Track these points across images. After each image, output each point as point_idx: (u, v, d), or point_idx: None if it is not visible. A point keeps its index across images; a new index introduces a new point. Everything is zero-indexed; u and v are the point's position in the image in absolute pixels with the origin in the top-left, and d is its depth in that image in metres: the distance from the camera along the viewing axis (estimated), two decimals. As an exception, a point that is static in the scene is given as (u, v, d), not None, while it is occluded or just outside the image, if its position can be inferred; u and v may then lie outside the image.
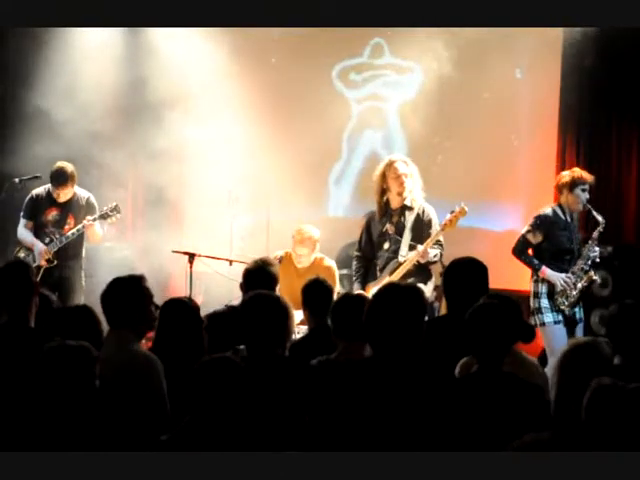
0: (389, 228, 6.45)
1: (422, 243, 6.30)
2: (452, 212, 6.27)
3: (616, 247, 6.88)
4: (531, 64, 8.37)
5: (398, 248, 6.39)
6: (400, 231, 6.41)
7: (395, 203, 6.46)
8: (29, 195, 7.13)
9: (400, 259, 6.35)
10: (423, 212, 6.41)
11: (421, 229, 6.36)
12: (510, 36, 7.81)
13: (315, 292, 5.03)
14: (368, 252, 6.58)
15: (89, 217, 6.92)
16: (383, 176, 6.47)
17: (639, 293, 6.49)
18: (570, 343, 3.53)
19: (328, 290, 5.13)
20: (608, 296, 6.99)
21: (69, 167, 6.95)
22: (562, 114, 8.15)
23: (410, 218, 6.40)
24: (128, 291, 4.13)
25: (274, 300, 4.04)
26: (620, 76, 7.71)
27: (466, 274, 4.71)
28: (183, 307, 4.47)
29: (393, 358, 3.32)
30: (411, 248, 6.33)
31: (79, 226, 6.92)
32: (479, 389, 3.56)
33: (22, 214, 7.11)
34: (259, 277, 5.21)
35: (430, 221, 6.39)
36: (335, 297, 6.65)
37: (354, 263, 6.69)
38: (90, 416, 3.24)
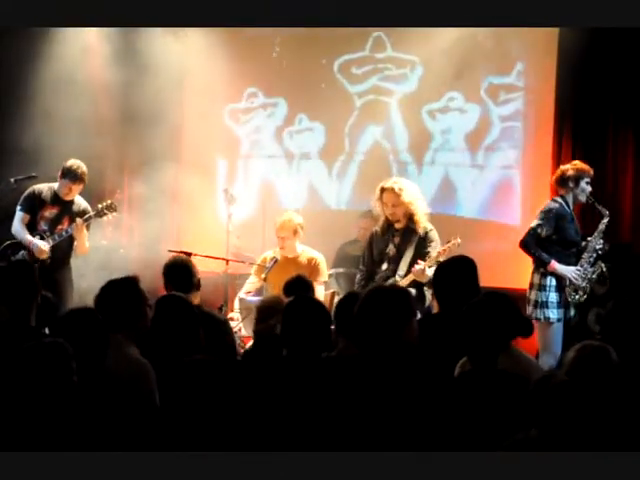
0: (391, 249, 6.44)
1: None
2: (448, 242, 6.25)
3: (612, 245, 6.90)
4: (527, 62, 8.34)
5: (397, 268, 6.36)
6: (401, 253, 6.38)
7: (397, 225, 6.42)
8: (30, 189, 7.11)
9: (397, 279, 6.31)
10: (425, 235, 6.35)
11: (422, 252, 6.30)
12: (506, 34, 7.81)
13: (296, 290, 4.99)
14: (370, 268, 6.57)
15: (83, 218, 6.91)
16: (379, 200, 6.44)
17: (635, 291, 6.54)
18: (578, 347, 3.56)
19: (309, 287, 5.21)
20: (605, 294, 7.00)
21: (83, 166, 6.98)
22: (558, 112, 8.11)
23: (412, 241, 6.36)
24: (125, 293, 4.14)
25: (317, 304, 4.14)
26: (616, 75, 7.69)
27: (455, 272, 4.78)
28: (178, 302, 4.44)
29: (379, 356, 3.41)
30: (410, 269, 6.28)
31: (72, 224, 6.90)
32: (473, 387, 3.59)
33: (19, 207, 7.08)
34: (178, 272, 5.27)
35: (431, 245, 6.32)
36: (322, 287, 6.79)
37: (357, 276, 6.70)
38: (68, 412, 3.25)
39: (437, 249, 6.26)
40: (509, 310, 3.90)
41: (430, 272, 6.14)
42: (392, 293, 3.62)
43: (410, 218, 6.35)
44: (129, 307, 4.11)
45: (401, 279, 6.30)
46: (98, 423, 3.34)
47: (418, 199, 6.41)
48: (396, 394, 3.37)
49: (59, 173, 7.01)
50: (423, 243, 6.33)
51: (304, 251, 6.96)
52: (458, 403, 3.49)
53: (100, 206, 7.01)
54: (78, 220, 6.90)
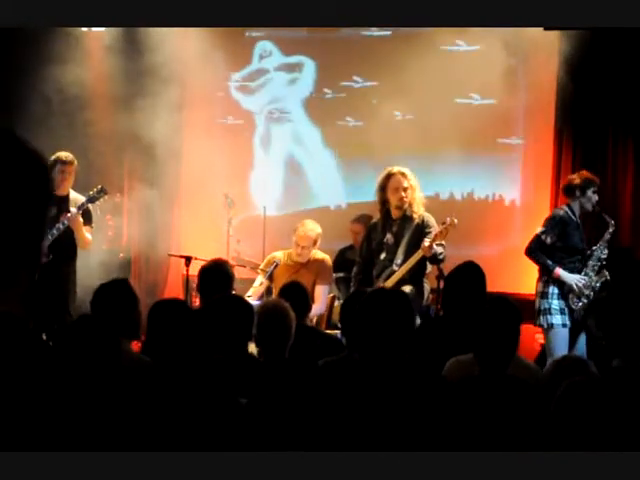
0: (389, 238, 6.48)
1: None
2: (443, 223, 6.27)
3: (612, 250, 6.91)
4: (527, 66, 8.37)
5: (394, 257, 6.40)
6: (398, 241, 6.43)
7: (395, 214, 6.49)
8: None
9: (394, 268, 6.36)
10: (422, 222, 6.41)
11: (419, 239, 6.32)
12: (505, 36, 7.84)
13: (291, 295, 4.90)
14: (367, 259, 6.62)
15: (76, 209, 6.84)
16: (383, 188, 6.48)
17: (636, 295, 6.50)
18: (554, 361, 3.64)
19: (304, 292, 5.16)
20: (605, 299, 6.99)
21: (62, 154, 6.91)
22: (558, 117, 8.14)
23: (409, 228, 6.40)
24: (120, 295, 4.16)
25: (283, 307, 4.17)
26: (617, 79, 7.72)
27: (464, 278, 4.85)
28: (175, 308, 4.29)
29: (379, 359, 3.38)
30: (407, 257, 6.31)
31: (67, 215, 6.80)
32: (483, 392, 3.57)
33: None
34: (215, 277, 5.20)
35: (429, 230, 6.36)
36: (327, 288, 6.84)
37: (354, 268, 6.74)
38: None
39: (434, 233, 6.30)
40: (519, 316, 3.90)
41: (439, 249, 6.17)
42: (394, 295, 3.58)
43: (409, 205, 6.41)
44: (125, 308, 4.13)
45: (398, 267, 6.34)
46: (105, 422, 3.30)
47: (418, 185, 6.50)
48: (402, 398, 3.33)
49: None
50: (422, 230, 6.37)
51: (314, 253, 6.91)
52: (466, 407, 3.45)
53: (90, 192, 6.90)
54: (73, 210, 6.81)
